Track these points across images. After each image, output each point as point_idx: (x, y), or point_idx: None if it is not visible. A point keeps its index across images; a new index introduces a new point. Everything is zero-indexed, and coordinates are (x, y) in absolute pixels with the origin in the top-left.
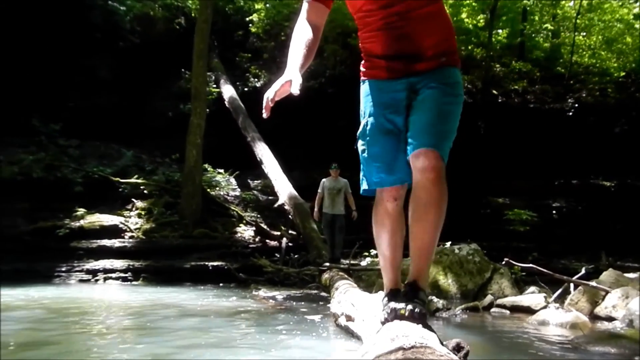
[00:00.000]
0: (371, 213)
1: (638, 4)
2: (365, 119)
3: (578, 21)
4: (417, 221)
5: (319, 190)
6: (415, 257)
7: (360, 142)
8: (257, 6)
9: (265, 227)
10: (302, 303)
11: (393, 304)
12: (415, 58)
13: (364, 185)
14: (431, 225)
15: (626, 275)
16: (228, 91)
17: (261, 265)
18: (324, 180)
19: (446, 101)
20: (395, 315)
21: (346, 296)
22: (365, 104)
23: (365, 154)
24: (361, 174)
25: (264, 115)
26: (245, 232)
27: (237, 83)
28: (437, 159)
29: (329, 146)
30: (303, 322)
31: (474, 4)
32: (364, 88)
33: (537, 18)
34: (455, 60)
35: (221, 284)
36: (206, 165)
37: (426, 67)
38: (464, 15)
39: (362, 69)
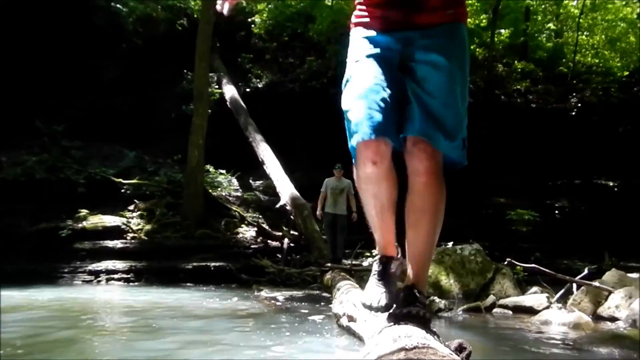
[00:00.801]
0: None
1: None
2: (352, 65)
3: (581, 21)
4: (411, 227)
5: (322, 190)
6: (411, 263)
7: (344, 98)
8: (259, 7)
9: (267, 227)
10: (304, 304)
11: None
12: (417, 7)
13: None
14: (425, 231)
15: (629, 275)
16: (230, 92)
17: (263, 266)
18: (327, 179)
19: (451, 87)
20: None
21: (348, 297)
22: (355, 51)
23: (349, 94)
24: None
25: (219, 8)
26: (247, 232)
27: (239, 84)
28: (431, 157)
29: (330, 147)
30: (305, 323)
31: (476, 3)
32: (355, 35)
33: (540, 18)
34: (462, 13)
35: (223, 285)
36: (208, 166)
37: (429, 21)
38: None
39: (353, 19)
